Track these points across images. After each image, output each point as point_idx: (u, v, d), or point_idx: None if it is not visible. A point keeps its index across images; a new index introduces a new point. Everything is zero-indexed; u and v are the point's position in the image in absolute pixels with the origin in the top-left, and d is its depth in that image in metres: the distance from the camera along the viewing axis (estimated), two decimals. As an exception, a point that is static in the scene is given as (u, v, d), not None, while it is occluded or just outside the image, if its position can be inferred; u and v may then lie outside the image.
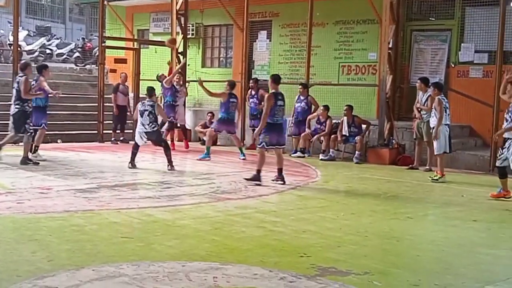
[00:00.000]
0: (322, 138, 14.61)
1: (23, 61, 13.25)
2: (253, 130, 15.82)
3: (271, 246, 6.37)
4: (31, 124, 11.68)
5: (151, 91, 11.85)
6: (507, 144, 9.33)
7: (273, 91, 10.32)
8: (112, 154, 14.12)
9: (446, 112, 11.69)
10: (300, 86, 15.23)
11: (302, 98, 15.11)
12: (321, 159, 14.18)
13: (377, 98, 15.04)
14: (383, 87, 14.37)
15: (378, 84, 14.78)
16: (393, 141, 14.25)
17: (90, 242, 6.20)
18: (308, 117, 15.00)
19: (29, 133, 11.56)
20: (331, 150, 14.39)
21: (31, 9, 30.79)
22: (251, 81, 16.16)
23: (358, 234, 7.03)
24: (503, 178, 9.58)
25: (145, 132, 11.58)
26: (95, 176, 10.48)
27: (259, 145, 10.35)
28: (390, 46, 14.60)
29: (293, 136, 15.19)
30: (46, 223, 6.97)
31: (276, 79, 10.47)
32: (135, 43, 19.02)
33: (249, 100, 16.03)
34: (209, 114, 16.66)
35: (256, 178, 10.21)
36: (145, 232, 6.84)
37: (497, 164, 9.61)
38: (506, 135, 9.41)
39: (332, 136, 14.43)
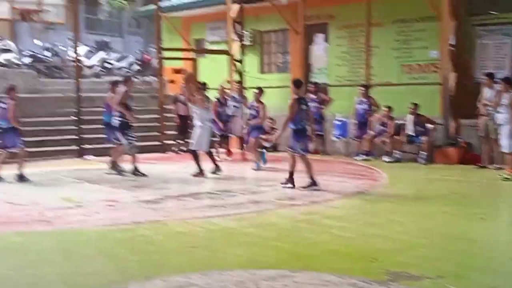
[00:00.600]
0: (385, 139, 14.36)
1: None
2: (316, 135, 15.72)
3: (340, 251, 6.26)
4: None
5: None
6: None
7: (296, 96, 10.16)
8: (175, 164, 14.24)
9: None
10: (361, 88, 15.02)
11: (363, 99, 14.90)
12: (386, 161, 13.93)
13: (441, 97, 14.67)
14: (446, 85, 14.02)
15: (441, 82, 14.44)
16: (460, 139, 13.88)
17: (158, 253, 6.23)
18: (370, 119, 14.77)
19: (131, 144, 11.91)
20: (396, 151, 14.12)
21: (90, 25, 31.52)
22: (311, 85, 16.07)
23: (428, 237, 6.85)
24: None
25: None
26: (160, 187, 10.58)
27: (294, 151, 10.19)
28: (452, 43, 14.25)
29: (356, 139, 14.97)
30: (115, 235, 7.06)
31: (297, 83, 10.37)
32: (193, 53, 19.18)
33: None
34: (268, 120, 16.61)
35: (290, 181, 10.18)
36: (212, 241, 6.82)
37: None
38: None
39: (396, 137, 14.17)
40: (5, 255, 6.32)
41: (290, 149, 10.23)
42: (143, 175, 11.80)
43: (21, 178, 11.20)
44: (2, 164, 11.31)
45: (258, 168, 12.73)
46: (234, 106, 14.90)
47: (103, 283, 5.17)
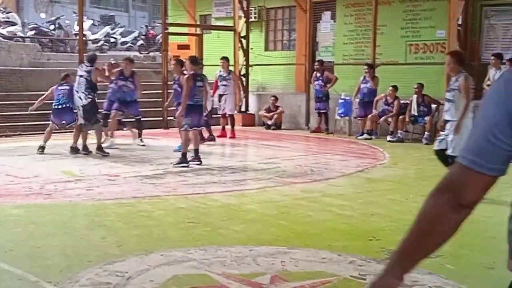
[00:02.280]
0: (389, 119, 14.29)
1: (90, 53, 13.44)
2: (318, 113, 15.69)
3: (339, 230, 6.25)
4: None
5: None
6: None
7: (192, 72, 10.25)
8: (177, 140, 14.18)
9: None
10: (365, 67, 14.93)
11: (368, 79, 14.81)
12: (389, 141, 13.88)
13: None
14: (452, 65, 13.87)
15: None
16: (464, 120, 13.79)
17: (158, 228, 6.23)
18: (376, 98, 14.70)
19: (100, 122, 11.72)
20: (399, 131, 14.06)
21: (95, -1, 31.47)
22: (316, 63, 15.98)
23: (429, 216, 6.79)
24: None
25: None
26: (161, 163, 10.55)
27: (182, 128, 10.23)
28: (460, 22, 14.12)
29: (359, 118, 14.91)
30: (115, 209, 7.06)
31: (193, 60, 10.55)
32: (198, 29, 19.07)
33: (314, 82, 15.84)
34: (272, 98, 16.57)
35: (183, 161, 10.01)
36: (212, 217, 6.82)
37: None
38: None
39: (400, 117, 14.09)
40: (4, 227, 6.32)
41: (182, 128, 10.33)
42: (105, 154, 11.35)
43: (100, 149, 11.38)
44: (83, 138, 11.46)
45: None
46: (224, 85, 14.40)
47: (101, 256, 5.17)
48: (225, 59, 14.71)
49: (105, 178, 9.04)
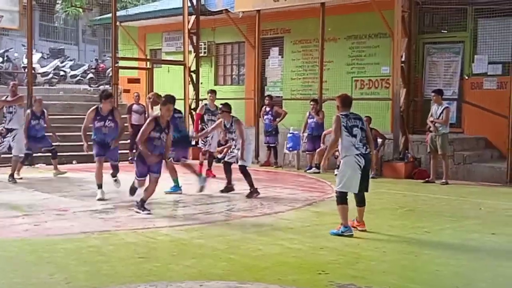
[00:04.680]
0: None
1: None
2: (268, 147, 15.87)
3: (289, 263, 6.32)
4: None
5: None
6: None
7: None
8: (127, 174, 14.10)
9: None
10: (311, 102, 15.22)
11: (312, 113, 15.07)
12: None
13: (391, 112, 14.98)
14: (397, 101, 14.32)
15: (391, 98, 14.73)
16: (409, 154, 14.18)
17: (108, 263, 6.19)
18: (324, 132, 14.95)
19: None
20: (346, 165, 14.28)
21: (45, 32, 31.14)
22: (266, 98, 16.24)
23: (376, 250, 6.97)
24: None
25: None
26: (111, 197, 10.47)
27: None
28: (403, 59, 14.58)
29: (307, 152, 15.14)
30: (64, 245, 6.97)
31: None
32: (148, 63, 19.14)
33: (263, 117, 16.06)
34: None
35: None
36: (162, 252, 6.82)
37: None
38: None
39: (347, 150, 14.32)
40: (-51, 265, 6.18)
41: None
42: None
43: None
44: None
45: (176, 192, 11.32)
46: (212, 120, 13.20)
47: (50, 294, 5.12)
48: (213, 92, 14.07)
49: (54, 213, 8.93)
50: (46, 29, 31.38)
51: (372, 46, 16.34)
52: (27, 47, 16.46)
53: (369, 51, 16.38)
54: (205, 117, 13.54)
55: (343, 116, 7.91)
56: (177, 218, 8.76)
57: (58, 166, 13.50)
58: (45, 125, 13.35)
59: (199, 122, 13.58)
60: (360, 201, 8.07)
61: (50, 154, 13.67)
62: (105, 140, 10.40)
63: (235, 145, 10.96)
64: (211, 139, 13.09)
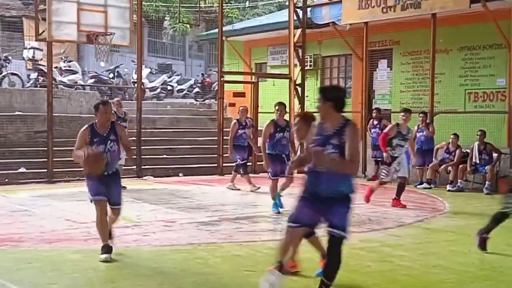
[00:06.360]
0: (449, 168, 13.98)
1: None
2: (375, 161, 15.48)
3: (400, 281, 6.06)
4: None
5: None
6: None
7: None
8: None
9: None
10: (420, 114, 14.71)
11: (422, 127, 14.55)
12: (449, 190, 13.54)
13: (507, 126, 14.23)
14: (514, 114, 13.60)
15: (508, 110, 14.02)
16: (526, 170, 13.39)
17: (214, 275, 6.16)
18: (436, 146, 14.45)
19: None
20: (459, 180, 13.72)
21: (153, 48, 32.16)
22: (374, 111, 15.91)
23: (492, 270, 6.60)
24: None
25: None
26: (216, 209, 10.53)
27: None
28: (520, 70, 13.83)
29: (417, 167, 14.62)
30: (171, 256, 7.03)
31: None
32: (253, 76, 19.24)
33: (370, 130, 15.72)
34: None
35: None
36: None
37: None
38: None
39: (461, 166, 13.78)
40: (63, 272, 6.35)
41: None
42: None
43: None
44: None
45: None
46: (399, 145, 11.06)
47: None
48: (407, 111, 11.36)
49: (161, 224, 9.05)
50: (154, 45, 32.40)
51: (487, 57, 15.63)
52: (136, 62, 16.96)
53: (484, 63, 15.67)
54: (394, 141, 11.06)
55: None
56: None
57: (166, 178, 13.63)
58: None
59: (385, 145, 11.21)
60: None
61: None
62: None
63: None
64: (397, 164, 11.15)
